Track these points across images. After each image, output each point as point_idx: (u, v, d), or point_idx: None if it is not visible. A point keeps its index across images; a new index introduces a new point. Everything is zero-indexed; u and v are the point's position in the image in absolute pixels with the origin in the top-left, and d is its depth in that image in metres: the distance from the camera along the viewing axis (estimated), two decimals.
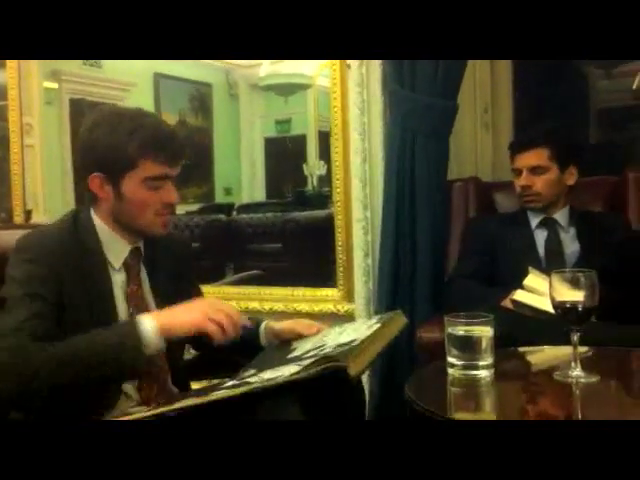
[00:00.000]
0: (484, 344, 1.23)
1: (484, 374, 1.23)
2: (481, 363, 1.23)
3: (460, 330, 1.24)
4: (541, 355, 1.53)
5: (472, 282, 1.96)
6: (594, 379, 1.22)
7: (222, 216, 3.50)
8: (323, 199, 2.98)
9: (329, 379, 1.10)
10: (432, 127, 2.20)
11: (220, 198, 3.65)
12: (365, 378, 2.15)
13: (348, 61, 2.35)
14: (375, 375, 2.24)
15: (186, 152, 1.35)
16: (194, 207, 3.46)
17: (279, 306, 2.56)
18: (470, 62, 2.28)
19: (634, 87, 3.03)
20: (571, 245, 2.00)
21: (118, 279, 1.33)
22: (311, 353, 1.23)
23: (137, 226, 1.33)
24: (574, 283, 1.22)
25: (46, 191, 2.98)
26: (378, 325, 1.32)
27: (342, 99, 2.38)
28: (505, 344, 1.39)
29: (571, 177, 2.04)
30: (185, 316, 1.21)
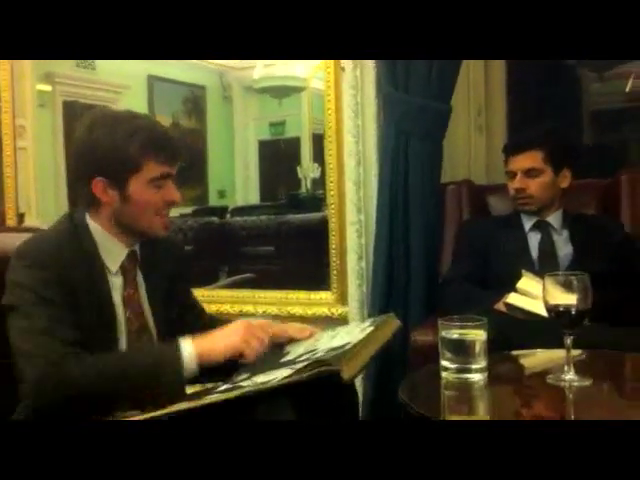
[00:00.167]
0: (477, 347, 1.24)
1: (477, 377, 1.24)
2: (474, 366, 1.23)
3: (454, 333, 1.24)
4: (534, 358, 1.53)
5: (465, 285, 1.96)
6: (587, 382, 1.22)
7: (216, 219, 3.49)
8: (317, 202, 2.97)
9: (323, 382, 1.10)
10: (426, 130, 2.21)
11: (214, 201, 3.64)
12: (358, 381, 2.15)
13: (342, 64, 2.35)
14: (368, 378, 2.24)
15: (182, 150, 1.36)
16: (187, 210, 3.44)
17: (273, 309, 2.56)
18: (464, 65, 2.29)
19: (627, 90, 3.04)
20: (564, 248, 2.00)
21: (115, 283, 1.33)
22: (304, 357, 1.23)
23: (140, 227, 1.33)
24: (567, 286, 1.22)
25: (39, 194, 2.96)
26: (371, 328, 1.32)
27: (336, 102, 2.39)
28: (498, 347, 1.39)
29: (565, 180, 2.04)
30: (225, 340, 1.23)
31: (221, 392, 1.15)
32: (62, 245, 1.26)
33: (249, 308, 2.60)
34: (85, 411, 1.15)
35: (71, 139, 1.35)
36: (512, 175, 2.05)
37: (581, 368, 1.25)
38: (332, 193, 2.43)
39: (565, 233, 2.03)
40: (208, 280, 2.94)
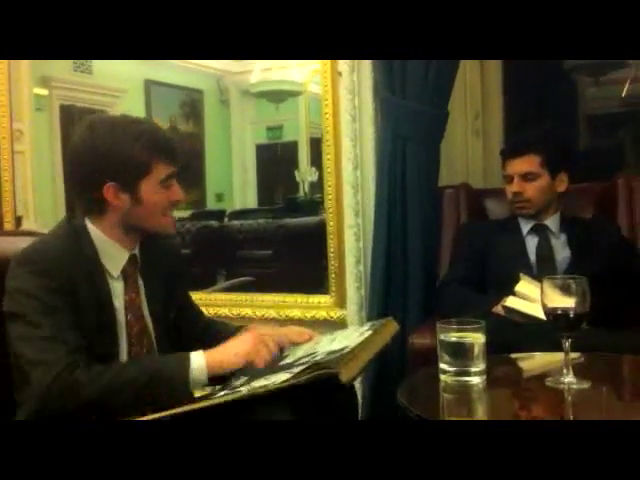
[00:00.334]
0: (476, 350, 1.24)
1: (476, 380, 1.24)
2: (473, 369, 1.23)
3: (452, 336, 1.24)
4: (533, 361, 1.53)
5: (463, 288, 1.96)
6: (586, 385, 1.22)
7: (213, 222, 3.49)
8: (315, 206, 2.97)
9: (322, 384, 1.11)
10: (423, 134, 2.21)
11: (211, 204, 3.64)
12: (357, 384, 2.15)
13: (339, 68, 2.36)
14: (367, 381, 2.24)
15: (180, 150, 1.38)
16: (185, 213, 3.44)
17: (271, 313, 2.56)
18: (460, 69, 2.29)
19: (623, 95, 3.06)
20: (562, 251, 2.01)
21: (117, 288, 1.33)
22: (303, 360, 1.24)
23: (150, 228, 1.34)
24: (565, 289, 1.22)
25: (36, 197, 2.96)
26: (370, 332, 1.32)
27: (333, 106, 2.39)
28: (497, 350, 1.39)
29: (562, 184, 2.05)
30: (236, 350, 1.24)
31: (220, 397, 1.15)
32: (64, 251, 1.26)
33: (247, 311, 2.60)
34: (90, 417, 1.15)
35: (71, 145, 1.34)
36: (509, 179, 2.06)
37: (580, 371, 1.26)
38: (330, 197, 2.44)
39: (563, 237, 2.04)
40: (206, 284, 2.94)
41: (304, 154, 3.40)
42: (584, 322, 1.25)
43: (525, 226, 2.06)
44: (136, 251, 1.38)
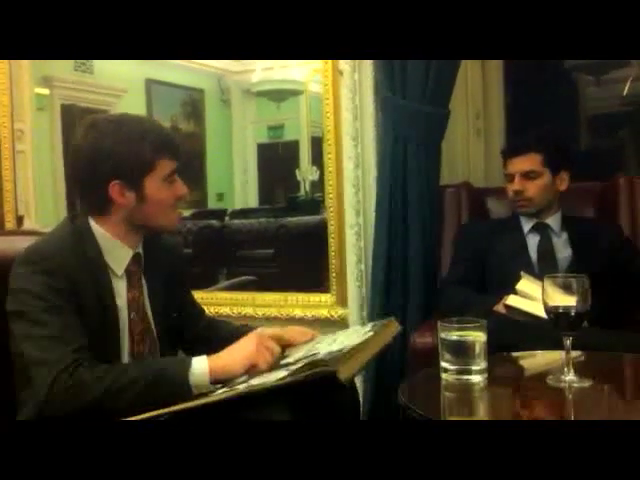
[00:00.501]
0: (477, 349, 1.24)
1: (477, 379, 1.24)
2: (474, 368, 1.23)
3: (453, 335, 1.24)
4: (534, 360, 1.53)
5: (464, 288, 1.97)
6: (587, 383, 1.23)
7: (215, 222, 3.49)
8: (316, 205, 2.98)
9: (324, 385, 1.11)
10: (424, 134, 2.21)
11: (213, 204, 3.64)
12: (358, 383, 2.15)
13: (340, 67, 2.36)
14: (368, 380, 2.24)
15: (182, 145, 1.40)
16: (186, 213, 3.45)
17: (272, 312, 2.56)
18: (462, 68, 2.29)
19: (624, 94, 3.06)
20: (563, 250, 2.01)
21: (120, 286, 1.33)
22: (303, 360, 1.24)
23: (156, 224, 1.35)
24: (567, 288, 1.22)
25: (37, 197, 2.96)
26: (371, 333, 1.32)
27: (334, 105, 2.39)
28: (498, 349, 1.39)
29: (563, 182, 2.05)
30: (239, 354, 1.24)
31: (218, 394, 1.15)
32: (67, 251, 1.26)
33: (248, 310, 2.60)
34: (93, 414, 1.15)
35: (74, 145, 1.34)
36: (510, 177, 2.06)
37: (581, 369, 1.25)
38: (331, 196, 2.44)
39: (564, 235, 2.04)
40: (207, 283, 2.94)
41: (305, 153, 3.41)
42: (585, 321, 1.25)
43: (526, 225, 2.06)
44: (139, 249, 1.38)
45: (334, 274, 2.45)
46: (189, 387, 1.18)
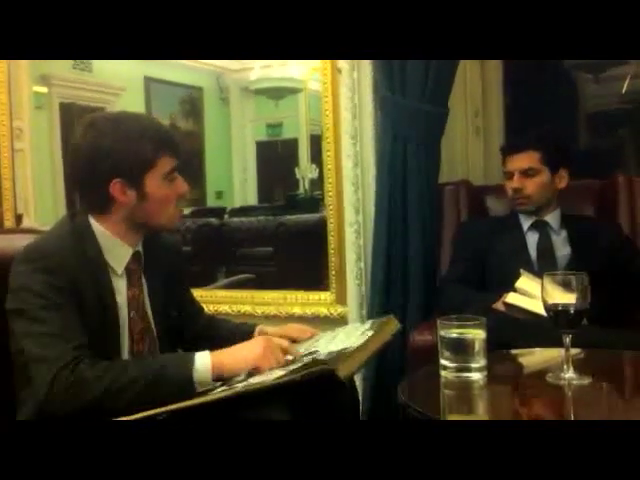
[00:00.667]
0: (477, 347, 1.24)
1: (477, 376, 1.24)
2: (474, 365, 1.24)
3: (453, 333, 1.24)
4: (533, 357, 1.54)
5: (464, 287, 1.96)
6: (586, 381, 1.23)
7: (214, 220, 3.49)
8: (315, 203, 2.97)
9: (323, 384, 1.11)
10: (423, 132, 2.21)
11: (212, 202, 3.64)
12: (358, 381, 2.15)
13: (339, 65, 2.35)
14: (367, 378, 2.24)
15: (182, 143, 1.40)
16: (185, 211, 3.44)
17: (272, 310, 2.56)
18: (460, 67, 2.29)
19: (623, 91, 3.05)
20: (562, 248, 2.01)
21: (120, 284, 1.33)
22: (302, 359, 1.24)
23: (155, 223, 1.34)
24: (566, 285, 1.22)
25: (36, 195, 2.96)
26: (371, 331, 1.32)
27: (333, 103, 2.39)
28: (497, 347, 1.39)
29: (562, 180, 2.05)
30: (244, 355, 1.24)
31: (216, 393, 1.15)
32: (67, 250, 1.26)
33: (248, 308, 2.60)
34: (93, 413, 1.15)
35: (73, 144, 1.33)
36: (509, 175, 2.06)
37: (580, 366, 1.26)
38: (330, 194, 2.44)
39: (563, 233, 2.04)
40: (206, 281, 2.94)
41: (304, 151, 3.40)
42: (584, 318, 1.25)
43: (525, 222, 2.07)
44: (139, 248, 1.38)
45: (333, 272, 2.45)
46: (192, 383, 1.18)
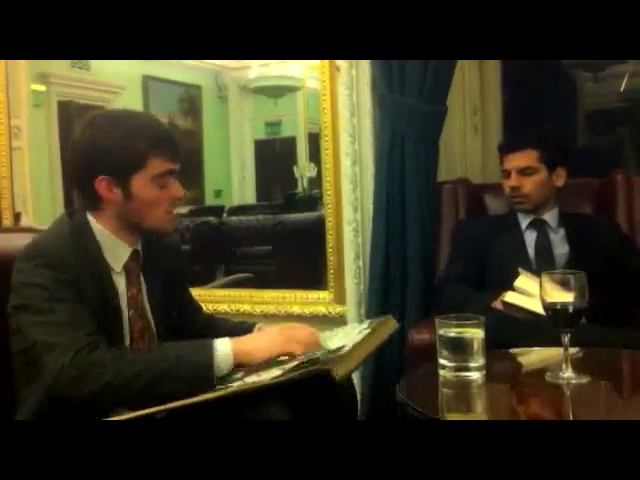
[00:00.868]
0: (475, 346, 1.24)
1: (475, 376, 1.24)
2: (472, 365, 1.24)
3: (451, 332, 1.24)
4: (532, 356, 1.54)
5: (462, 286, 1.96)
6: (585, 380, 1.23)
7: (212, 219, 3.49)
8: (313, 201, 2.97)
9: (321, 383, 1.11)
10: (421, 130, 2.21)
11: (210, 200, 3.64)
12: (356, 380, 2.15)
13: (337, 64, 2.35)
14: (366, 377, 2.24)
15: (181, 147, 1.37)
16: (184, 210, 3.44)
17: (270, 309, 2.56)
18: (459, 65, 2.29)
19: (622, 89, 3.05)
20: (561, 247, 2.01)
21: (119, 283, 1.33)
22: (299, 358, 1.24)
23: (147, 225, 1.33)
24: (564, 284, 1.22)
25: (35, 194, 2.96)
26: (368, 331, 1.32)
27: (332, 101, 2.39)
28: (496, 346, 1.39)
29: (560, 179, 2.05)
30: (267, 342, 1.25)
31: (214, 392, 1.15)
32: (68, 249, 1.25)
33: (247, 307, 2.60)
34: (109, 401, 1.15)
35: (69, 139, 1.34)
36: (507, 174, 2.06)
37: (579, 365, 1.26)
38: (328, 192, 2.43)
39: (561, 232, 2.04)
40: (205, 280, 2.94)
41: (302, 149, 3.40)
42: (583, 317, 1.25)
43: (524, 221, 2.07)
44: (138, 247, 1.38)
45: (332, 271, 2.45)
46: (211, 367, 1.17)
